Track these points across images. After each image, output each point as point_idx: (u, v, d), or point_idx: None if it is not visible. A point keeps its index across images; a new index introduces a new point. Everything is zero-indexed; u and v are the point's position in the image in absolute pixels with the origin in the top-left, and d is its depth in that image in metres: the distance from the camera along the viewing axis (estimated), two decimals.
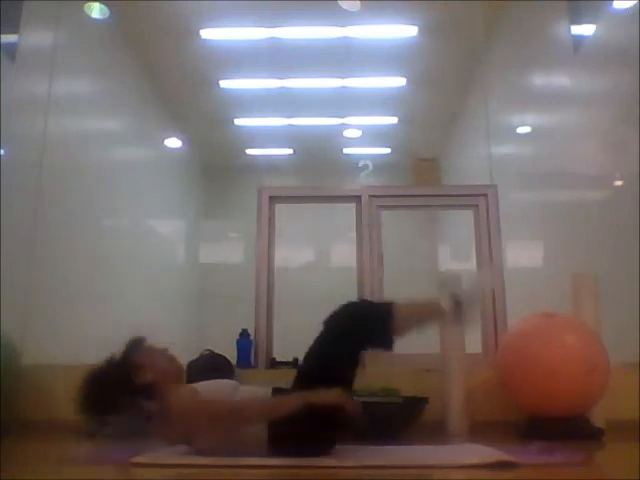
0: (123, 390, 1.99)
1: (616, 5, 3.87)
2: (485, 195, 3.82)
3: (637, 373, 3.04)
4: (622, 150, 3.58)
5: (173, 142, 7.09)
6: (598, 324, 2.87)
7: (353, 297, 3.68)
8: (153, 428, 2.01)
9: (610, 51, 3.80)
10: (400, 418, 2.80)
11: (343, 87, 6.11)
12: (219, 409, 1.95)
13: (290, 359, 3.39)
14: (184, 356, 2.46)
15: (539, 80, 4.88)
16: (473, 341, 3.46)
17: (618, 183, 3.78)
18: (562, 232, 4.23)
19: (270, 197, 3.86)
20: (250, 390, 2.09)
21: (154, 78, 6.04)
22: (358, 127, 7.06)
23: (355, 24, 5.14)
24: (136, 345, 2.10)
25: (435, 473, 1.81)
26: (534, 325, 2.89)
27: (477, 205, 3.82)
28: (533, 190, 4.86)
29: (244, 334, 3.52)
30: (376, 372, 2.95)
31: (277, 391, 2.06)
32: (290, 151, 7.61)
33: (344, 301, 2.16)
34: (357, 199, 3.86)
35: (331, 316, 2.14)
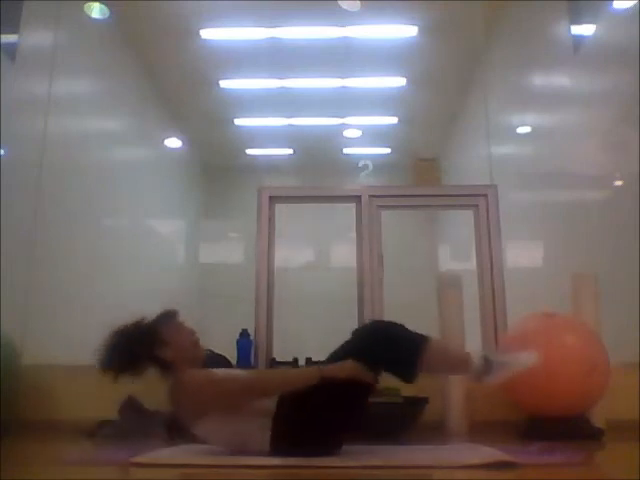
0: (140, 356, 2.02)
1: (616, 5, 3.87)
2: (485, 195, 3.82)
3: (637, 373, 3.04)
4: (622, 150, 3.58)
5: (173, 142, 7.08)
6: (598, 324, 2.87)
7: (353, 297, 3.70)
8: (168, 398, 2.01)
9: (610, 51, 3.80)
10: (400, 418, 2.80)
11: (343, 87, 6.10)
12: (235, 381, 1.97)
13: (290, 359, 3.39)
14: None
15: (539, 80, 4.88)
16: (473, 341, 3.46)
17: (618, 183, 3.78)
18: (562, 232, 4.23)
19: (270, 197, 3.86)
20: None
21: (154, 78, 6.03)
22: (358, 127, 7.04)
23: (355, 24, 5.13)
24: (167, 318, 2.11)
25: (435, 473, 1.81)
26: (534, 325, 2.89)
27: (477, 205, 3.82)
28: (533, 190, 4.86)
29: (244, 334, 3.51)
30: None
31: None
32: (290, 151, 7.59)
33: (381, 318, 2.09)
34: (357, 199, 3.86)
35: (362, 328, 2.11)
